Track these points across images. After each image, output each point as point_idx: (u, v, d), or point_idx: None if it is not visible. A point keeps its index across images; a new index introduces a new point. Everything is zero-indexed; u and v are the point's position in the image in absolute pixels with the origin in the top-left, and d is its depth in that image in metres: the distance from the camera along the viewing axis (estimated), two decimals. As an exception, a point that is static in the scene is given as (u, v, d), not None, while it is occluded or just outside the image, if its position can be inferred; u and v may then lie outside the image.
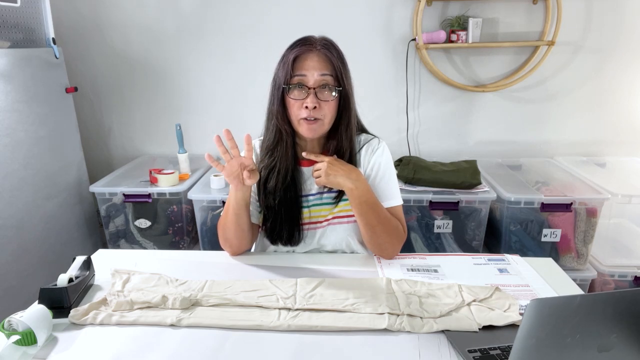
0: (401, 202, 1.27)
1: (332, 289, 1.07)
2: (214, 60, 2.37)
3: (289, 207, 1.23)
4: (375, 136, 1.32)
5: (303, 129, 1.17)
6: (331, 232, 1.27)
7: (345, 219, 1.26)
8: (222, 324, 0.95)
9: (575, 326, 0.63)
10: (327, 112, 1.16)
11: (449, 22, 2.21)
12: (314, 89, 1.13)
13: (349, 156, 1.24)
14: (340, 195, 1.25)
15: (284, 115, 1.19)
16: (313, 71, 1.13)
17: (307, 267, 1.20)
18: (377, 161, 1.26)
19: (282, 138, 1.21)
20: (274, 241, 1.28)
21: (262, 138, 1.29)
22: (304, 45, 1.15)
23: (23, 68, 1.81)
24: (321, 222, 1.27)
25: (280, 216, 1.23)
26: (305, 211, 1.26)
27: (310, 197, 1.27)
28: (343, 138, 1.22)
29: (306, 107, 1.13)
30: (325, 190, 1.26)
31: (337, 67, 1.15)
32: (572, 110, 2.35)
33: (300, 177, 1.26)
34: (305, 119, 1.15)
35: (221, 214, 1.29)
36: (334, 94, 1.15)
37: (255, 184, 1.26)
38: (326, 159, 1.18)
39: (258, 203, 1.28)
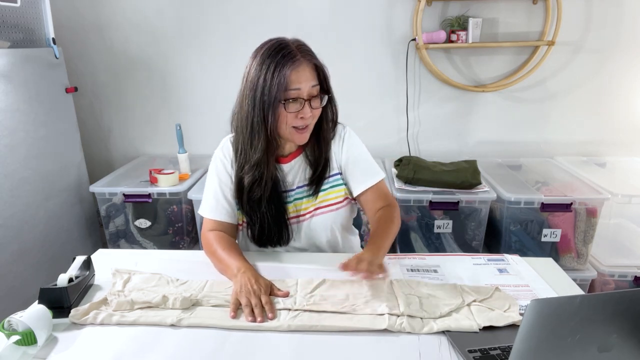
0: (383, 175, 1.30)
1: (332, 289, 1.07)
2: (214, 60, 2.37)
3: (276, 212, 1.23)
4: (337, 123, 1.32)
5: (294, 137, 1.19)
6: (315, 222, 1.28)
7: (327, 208, 1.27)
8: (222, 324, 0.95)
9: (575, 326, 0.63)
10: (316, 117, 1.20)
11: (449, 22, 2.21)
12: (308, 100, 1.14)
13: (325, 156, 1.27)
14: (318, 186, 1.26)
15: (276, 126, 1.16)
16: (305, 83, 1.12)
17: (307, 267, 1.20)
18: (349, 148, 1.28)
19: (271, 151, 1.19)
20: (263, 245, 1.28)
21: (233, 139, 1.26)
22: (290, 57, 1.10)
23: (23, 68, 1.81)
24: (304, 214, 1.28)
25: (267, 221, 1.24)
26: (290, 206, 1.27)
27: (292, 192, 1.28)
28: (328, 138, 1.26)
29: (301, 118, 1.14)
30: (306, 183, 1.27)
31: (322, 73, 1.17)
32: (572, 110, 2.35)
33: (282, 174, 1.26)
34: (296, 127, 1.16)
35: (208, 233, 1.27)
36: (322, 101, 1.18)
37: (234, 190, 1.24)
38: (362, 265, 1.05)
39: (236, 201, 1.26)
